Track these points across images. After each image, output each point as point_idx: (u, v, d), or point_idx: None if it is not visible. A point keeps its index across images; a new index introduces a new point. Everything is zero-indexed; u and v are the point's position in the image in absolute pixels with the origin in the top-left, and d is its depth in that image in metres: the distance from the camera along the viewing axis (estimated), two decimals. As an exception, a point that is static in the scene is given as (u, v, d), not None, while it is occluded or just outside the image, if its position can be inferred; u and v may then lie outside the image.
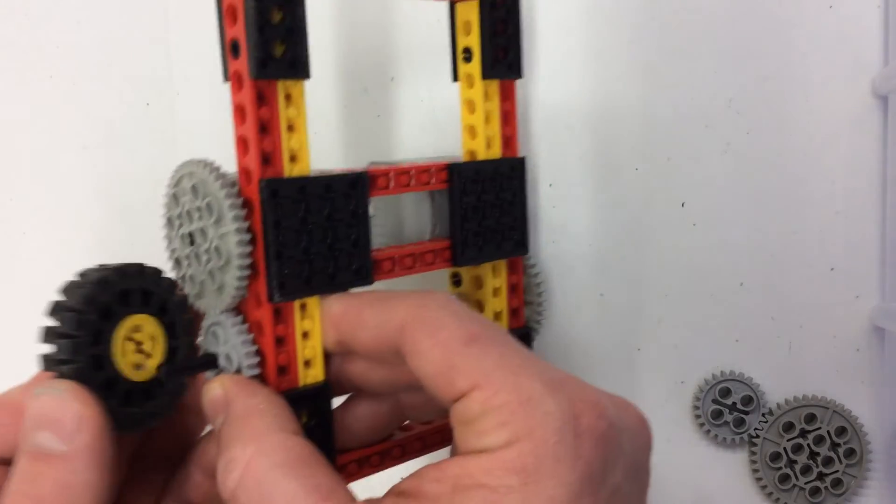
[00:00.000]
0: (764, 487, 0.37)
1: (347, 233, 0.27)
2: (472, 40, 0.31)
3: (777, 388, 0.37)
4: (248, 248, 0.25)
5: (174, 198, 0.27)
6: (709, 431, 0.37)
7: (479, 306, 0.33)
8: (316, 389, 0.27)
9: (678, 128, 0.38)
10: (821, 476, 0.37)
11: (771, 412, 0.37)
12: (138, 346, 0.26)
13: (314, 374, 0.27)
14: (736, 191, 0.38)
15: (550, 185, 0.38)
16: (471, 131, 0.32)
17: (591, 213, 0.38)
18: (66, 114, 0.39)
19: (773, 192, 0.38)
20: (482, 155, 0.32)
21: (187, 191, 0.26)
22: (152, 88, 0.39)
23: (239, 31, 0.25)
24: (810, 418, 0.37)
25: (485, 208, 0.31)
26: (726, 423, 0.37)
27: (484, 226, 0.31)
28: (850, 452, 0.36)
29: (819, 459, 0.37)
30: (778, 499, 0.37)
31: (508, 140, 0.32)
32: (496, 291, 0.33)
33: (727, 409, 0.37)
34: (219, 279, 0.26)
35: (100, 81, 0.39)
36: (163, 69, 0.39)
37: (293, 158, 0.26)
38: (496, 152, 0.32)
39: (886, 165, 0.37)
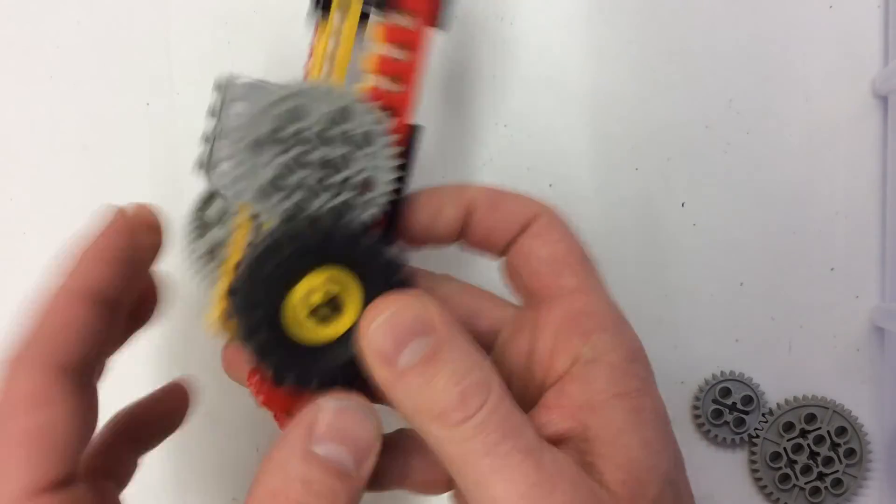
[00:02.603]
0: (764, 487, 0.37)
1: None
2: None
3: (777, 388, 0.37)
4: (396, 185, 0.25)
5: (291, 114, 0.24)
6: (709, 431, 0.37)
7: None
8: None
9: (678, 128, 0.38)
10: (821, 476, 0.37)
11: (771, 412, 0.37)
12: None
13: None
14: (736, 191, 0.38)
15: (550, 185, 0.38)
16: None
17: (591, 213, 0.38)
18: (66, 114, 0.39)
19: (773, 192, 0.38)
20: None
21: (322, 114, 0.24)
22: (152, 88, 0.39)
23: None
24: (810, 418, 0.37)
25: None
26: (726, 423, 0.37)
27: None
28: (850, 452, 0.36)
29: (819, 459, 0.37)
30: (778, 499, 0.37)
31: None
32: None
33: (727, 409, 0.37)
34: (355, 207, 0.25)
35: (100, 81, 0.39)
36: (163, 69, 0.39)
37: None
38: None
39: (886, 165, 0.37)
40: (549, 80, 0.39)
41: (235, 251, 0.26)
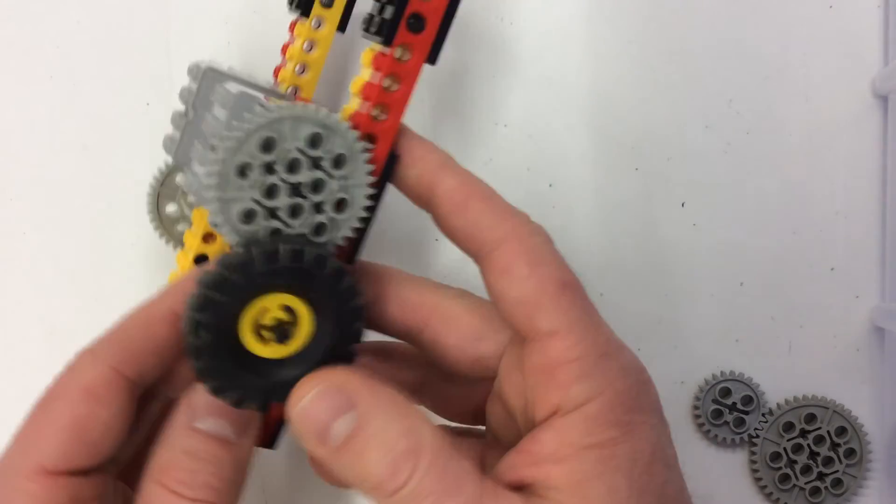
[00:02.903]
0: (764, 487, 0.37)
1: None
2: None
3: (777, 388, 0.37)
4: (372, 203, 0.25)
5: (264, 145, 0.24)
6: (709, 431, 0.37)
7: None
8: None
9: (678, 128, 0.38)
10: (821, 476, 0.37)
11: (771, 412, 0.37)
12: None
13: None
14: (736, 191, 0.38)
15: (550, 185, 0.38)
16: None
17: (591, 213, 0.38)
18: (66, 114, 0.39)
19: (773, 192, 0.38)
20: None
21: (299, 139, 0.24)
22: (152, 88, 0.39)
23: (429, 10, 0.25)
24: (810, 418, 0.37)
25: None
26: (726, 423, 0.37)
27: None
28: (850, 452, 0.36)
29: (819, 459, 0.37)
30: (778, 499, 0.37)
31: None
32: None
33: (727, 409, 0.37)
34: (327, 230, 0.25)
35: (100, 81, 0.39)
36: (163, 69, 0.39)
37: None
38: None
39: (886, 165, 0.37)
40: (549, 80, 0.39)
41: (192, 240, 0.28)
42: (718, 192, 0.38)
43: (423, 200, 0.26)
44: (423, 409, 0.30)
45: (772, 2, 0.38)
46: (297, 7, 0.32)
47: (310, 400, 0.23)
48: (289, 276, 0.24)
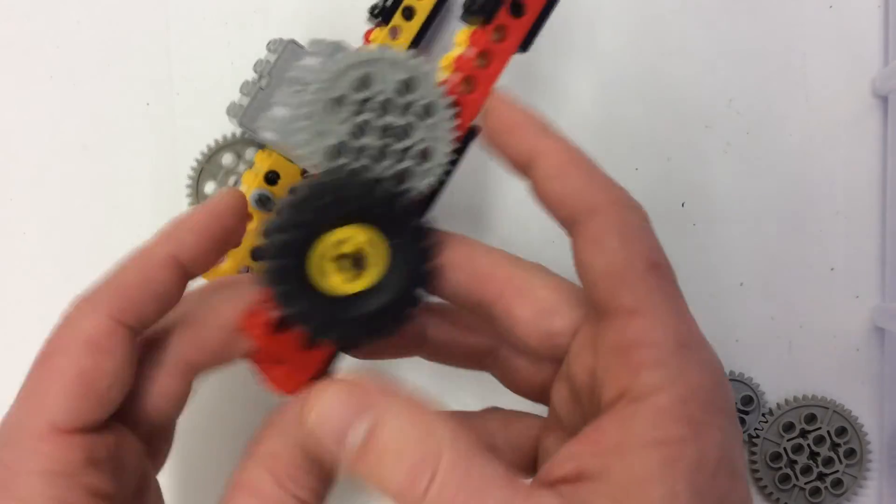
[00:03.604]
0: (764, 487, 0.37)
1: None
2: None
3: (777, 388, 0.37)
4: (453, 158, 0.26)
5: (360, 81, 0.24)
6: (709, 431, 0.37)
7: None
8: None
9: (678, 128, 0.38)
10: (821, 476, 0.37)
11: (771, 412, 0.37)
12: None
13: None
14: (736, 191, 0.38)
15: (550, 185, 0.38)
16: None
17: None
18: (66, 114, 0.39)
19: (773, 192, 0.38)
20: None
21: (390, 82, 0.25)
22: (152, 88, 0.39)
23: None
24: (810, 418, 0.37)
25: None
26: (726, 423, 0.37)
27: None
28: (850, 452, 0.36)
29: (819, 459, 0.37)
30: (778, 499, 0.37)
31: None
32: None
33: (727, 409, 0.37)
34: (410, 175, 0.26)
35: (100, 81, 0.39)
36: (163, 69, 0.39)
37: None
38: None
39: (886, 165, 0.37)
40: (549, 79, 0.39)
41: (253, 179, 0.29)
42: (718, 192, 0.38)
43: (521, 164, 0.26)
44: (487, 378, 0.29)
45: (772, 2, 0.38)
46: (378, 15, 0.32)
47: (322, 409, 0.22)
48: (373, 209, 0.24)
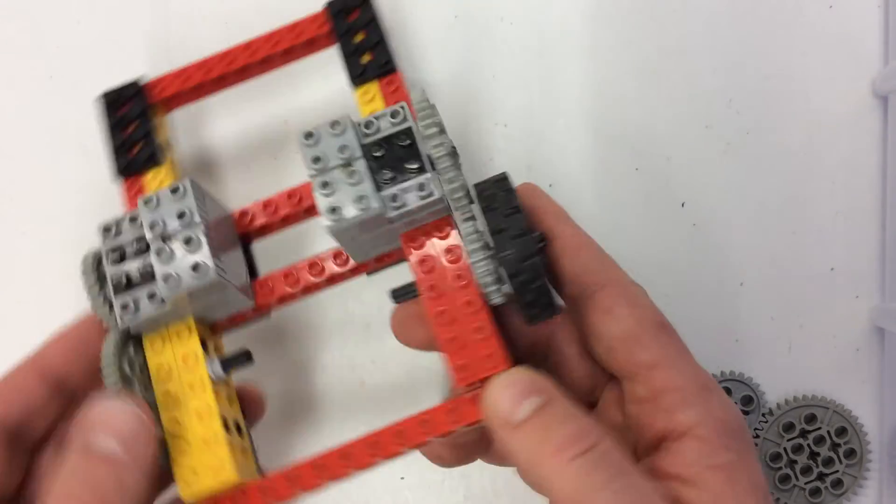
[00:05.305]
0: (764, 487, 0.37)
1: None
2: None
3: (777, 388, 0.37)
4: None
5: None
6: (709, 431, 0.37)
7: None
8: None
9: (678, 128, 0.38)
10: (821, 476, 0.37)
11: (771, 412, 0.37)
12: None
13: None
14: (736, 191, 0.38)
15: (550, 185, 0.38)
16: None
17: (591, 213, 0.38)
18: (66, 114, 0.39)
19: (773, 192, 0.38)
20: None
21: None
22: (152, 88, 0.39)
23: None
24: (810, 418, 0.37)
25: None
26: (726, 423, 0.37)
27: None
28: (850, 452, 0.36)
29: (819, 459, 0.37)
30: (778, 499, 0.37)
31: None
32: None
33: (727, 409, 0.37)
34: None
35: (100, 81, 0.39)
36: (162, 69, 0.39)
37: None
38: None
39: (886, 165, 0.37)
40: (549, 80, 0.39)
41: None
42: (718, 192, 0.38)
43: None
44: None
45: (772, 2, 0.38)
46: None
47: (501, 382, 0.25)
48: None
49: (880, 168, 0.38)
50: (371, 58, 0.32)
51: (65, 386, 0.29)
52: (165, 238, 0.28)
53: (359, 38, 0.33)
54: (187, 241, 0.27)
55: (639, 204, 0.38)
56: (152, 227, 0.28)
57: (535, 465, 0.23)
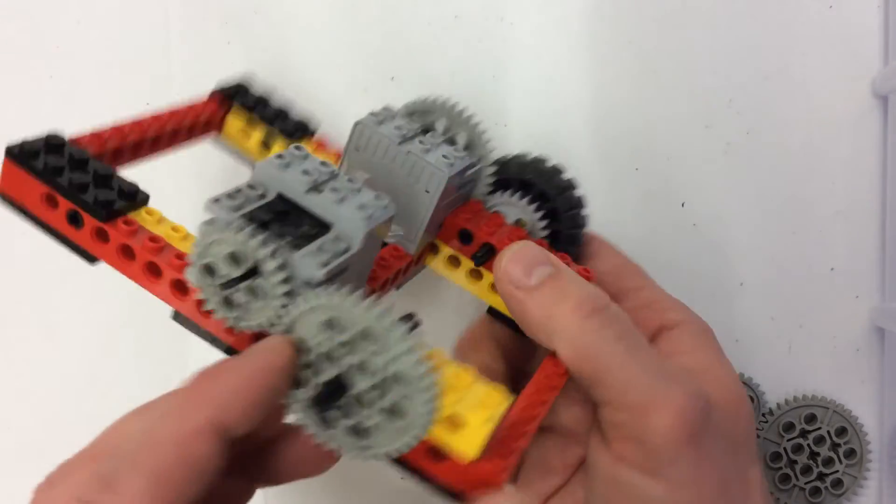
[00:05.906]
0: (764, 487, 0.37)
1: None
2: None
3: (777, 388, 0.37)
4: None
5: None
6: (709, 431, 0.37)
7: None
8: None
9: (678, 128, 0.38)
10: (821, 476, 0.37)
11: (771, 412, 0.37)
12: None
13: None
14: (736, 191, 0.38)
15: (550, 185, 0.38)
16: None
17: (591, 212, 0.38)
18: (66, 114, 0.39)
19: (773, 192, 0.38)
20: None
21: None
22: (152, 88, 0.39)
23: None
24: (810, 418, 0.37)
25: None
26: (726, 423, 0.37)
27: None
28: (850, 452, 0.36)
29: (819, 459, 0.37)
30: (778, 499, 0.37)
31: None
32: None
33: (727, 409, 0.37)
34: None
35: (100, 81, 0.39)
36: (163, 69, 0.39)
37: None
38: None
39: (886, 165, 0.37)
40: (549, 80, 0.39)
41: None
42: (718, 192, 0.38)
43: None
44: None
45: (772, 2, 0.38)
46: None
47: (513, 252, 0.27)
48: None
49: (880, 168, 0.38)
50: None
51: (234, 440, 0.22)
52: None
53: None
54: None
55: (639, 204, 0.38)
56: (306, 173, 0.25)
57: (550, 319, 0.26)
